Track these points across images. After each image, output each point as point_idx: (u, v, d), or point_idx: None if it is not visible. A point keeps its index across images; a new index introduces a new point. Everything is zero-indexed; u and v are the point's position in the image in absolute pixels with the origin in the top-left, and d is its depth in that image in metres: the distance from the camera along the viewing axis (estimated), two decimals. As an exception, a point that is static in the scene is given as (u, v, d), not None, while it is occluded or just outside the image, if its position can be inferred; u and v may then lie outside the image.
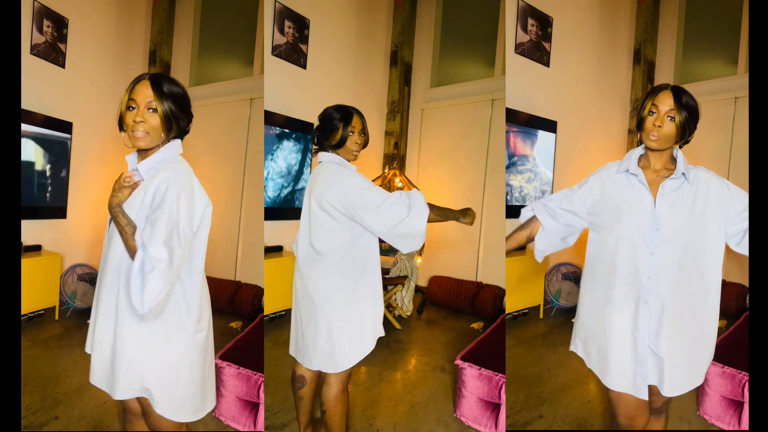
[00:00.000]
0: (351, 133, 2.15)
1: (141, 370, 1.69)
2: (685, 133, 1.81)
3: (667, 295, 1.81)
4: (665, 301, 1.82)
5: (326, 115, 2.18)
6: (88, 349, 1.79)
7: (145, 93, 1.59)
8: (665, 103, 1.79)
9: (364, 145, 2.23)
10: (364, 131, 2.20)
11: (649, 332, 1.83)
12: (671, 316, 1.82)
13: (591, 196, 1.96)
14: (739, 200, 1.82)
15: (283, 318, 4.54)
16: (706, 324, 1.86)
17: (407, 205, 2.02)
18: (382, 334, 2.23)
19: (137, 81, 1.62)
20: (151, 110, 1.59)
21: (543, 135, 5.10)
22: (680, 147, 1.88)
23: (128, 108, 1.60)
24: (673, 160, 1.88)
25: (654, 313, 1.82)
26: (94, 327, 1.74)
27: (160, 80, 1.61)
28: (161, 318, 1.67)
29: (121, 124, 1.64)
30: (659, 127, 1.79)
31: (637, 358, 1.84)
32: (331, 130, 2.15)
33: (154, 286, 1.48)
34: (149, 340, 1.67)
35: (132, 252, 1.55)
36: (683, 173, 1.83)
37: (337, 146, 2.16)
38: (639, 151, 1.92)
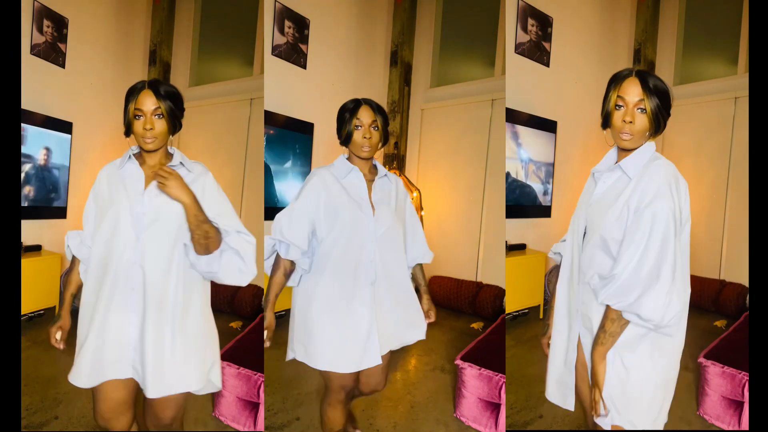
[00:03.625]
0: (358, 127, 1.95)
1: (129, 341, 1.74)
2: (659, 123, 1.53)
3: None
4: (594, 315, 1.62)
5: (339, 109, 2.02)
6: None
7: (149, 101, 1.71)
8: (632, 92, 1.51)
9: (382, 141, 2.00)
10: (377, 125, 1.97)
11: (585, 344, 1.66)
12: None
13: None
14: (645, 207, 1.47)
15: (284, 318, 4.53)
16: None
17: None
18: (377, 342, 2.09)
19: (139, 91, 1.72)
20: (156, 116, 1.71)
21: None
22: (653, 139, 1.58)
23: (135, 117, 1.72)
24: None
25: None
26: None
27: (158, 85, 1.74)
28: None
29: (127, 131, 1.77)
30: (630, 123, 1.51)
31: (567, 366, 1.69)
32: (340, 123, 2.00)
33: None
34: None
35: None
36: (619, 165, 1.57)
37: (345, 142, 1.99)
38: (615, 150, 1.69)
